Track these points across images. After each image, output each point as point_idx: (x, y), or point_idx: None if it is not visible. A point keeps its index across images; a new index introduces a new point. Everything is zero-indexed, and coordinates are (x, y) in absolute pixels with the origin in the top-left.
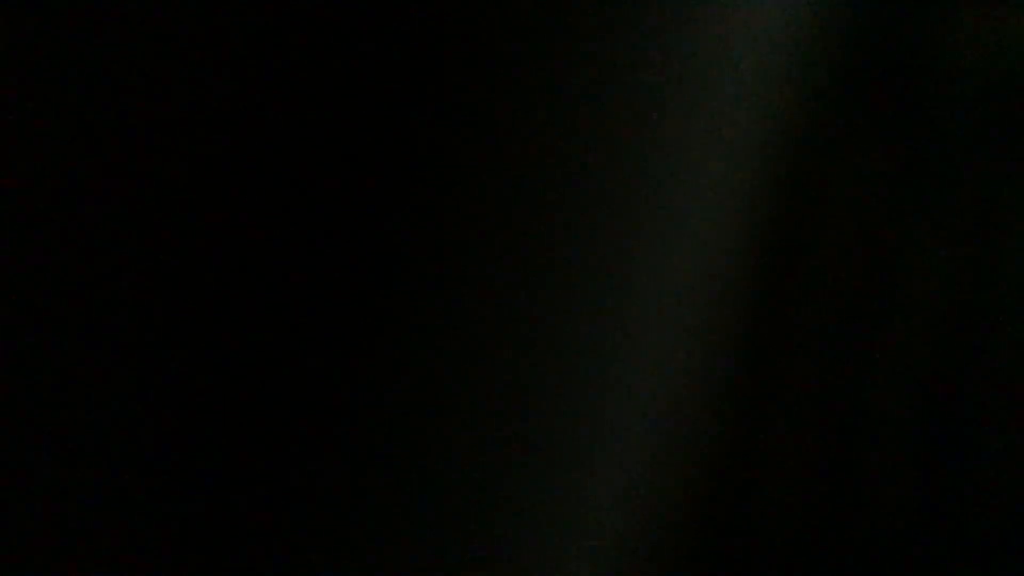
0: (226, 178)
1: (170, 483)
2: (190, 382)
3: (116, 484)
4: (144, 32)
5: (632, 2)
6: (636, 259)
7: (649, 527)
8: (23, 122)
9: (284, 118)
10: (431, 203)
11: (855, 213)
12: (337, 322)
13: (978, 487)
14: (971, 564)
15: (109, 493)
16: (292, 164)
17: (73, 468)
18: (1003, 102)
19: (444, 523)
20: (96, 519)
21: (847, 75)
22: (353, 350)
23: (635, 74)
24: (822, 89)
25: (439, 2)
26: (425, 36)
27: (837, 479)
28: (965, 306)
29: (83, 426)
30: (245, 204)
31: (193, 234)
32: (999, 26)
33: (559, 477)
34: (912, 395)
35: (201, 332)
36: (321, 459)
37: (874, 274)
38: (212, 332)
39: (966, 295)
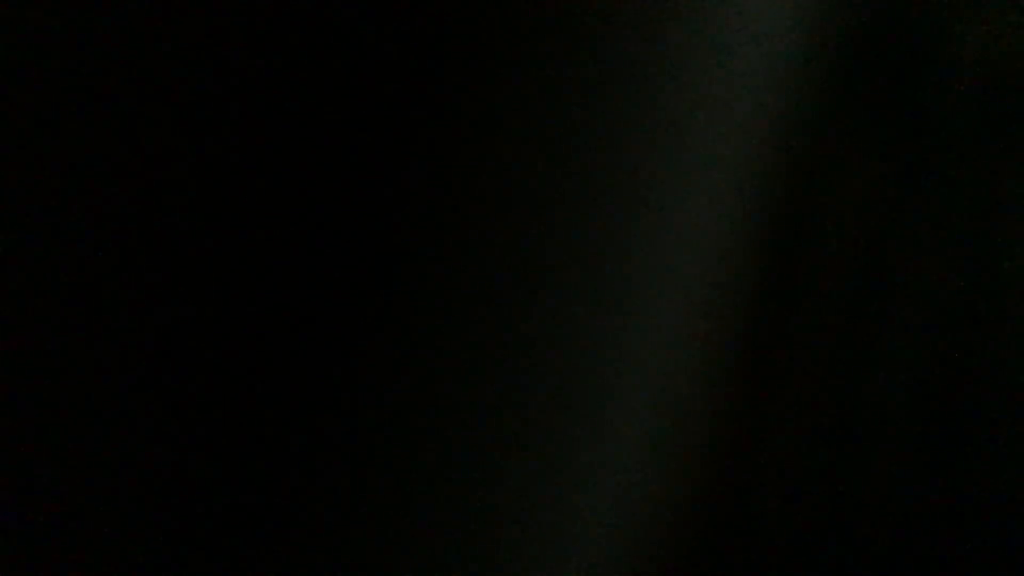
0: (226, 178)
1: (170, 483)
2: (189, 382)
3: (116, 484)
4: (144, 32)
5: (632, 2)
6: (636, 258)
7: (649, 527)
8: (23, 122)
9: (284, 118)
10: (431, 202)
11: (855, 213)
12: (337, 322)
13: (978, 487)
14: (971, 564)
15: (109, 493)
16: (292, 164)
17: (73, 468)
18: (1003, 102)
19: (444, 523)
20: (96, 519)
21: (847, 75)
22: (353, 350)
23: (635, 74)
24: (822, 89)
25: (438, 2)
26: (424, 36)
27: (837, 478)
28: (965, 306)
29: (83, 426)
30: (245, 204)
31: (193, 234)
32: (999, 26)
33: (559, 476)
34: (912, 394)
35: (201, 332)
36: (320, 459)
37: (874, 274)
38: (212, 332)
39: (966, 295)
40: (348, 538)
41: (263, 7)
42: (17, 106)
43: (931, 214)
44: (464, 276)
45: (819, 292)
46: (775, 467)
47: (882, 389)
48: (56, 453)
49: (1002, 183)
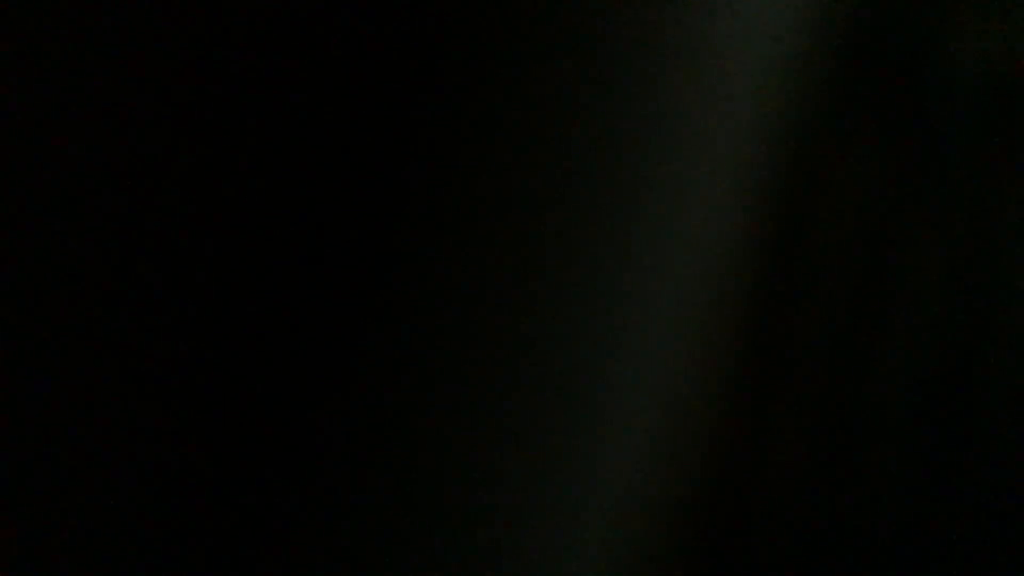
0: (226, 178)
1: (169, 483)
2: (189, 382)
3: (116, 484)
4: (144, 32)
5: (632, 2)
6: (636, 258)
7: (649, 526)
8: (23, 122)
9: (284, 118)
10: (430, 201)
11: (855, 212)
12: (337, 322)
13: (978, 487)
14: (971, 564)
15: (109, 493)
16: (291, 164)
17: (73, 468)
18: (1003, 102)
19: (444, 523)
20: (96, 519)
21: (847, 75)
22: (353, 350)
23: (635, 74)
24: (822, 88)
25: (438, 2)
26: (423, 36)
27: (837, 478)
28: (965, 306)
29: (83, 427)
30: (245, 204)
31: (192, 234)
32: (999, 26)
33: (559, 477)
34: (912, 394)
35: (200, 332)
36: (320, 459)
37: (874, 273)
38: (212, 332)
39: (966, 295)
40: (348, 538)
41: (263, 7)
42: (17, 106)
43: (931, 214)
44: (464, 276)
45: (819, 292)
46: (775, 467)
47: (882, 389)
48: (56, 453)
49: (1002, 183)
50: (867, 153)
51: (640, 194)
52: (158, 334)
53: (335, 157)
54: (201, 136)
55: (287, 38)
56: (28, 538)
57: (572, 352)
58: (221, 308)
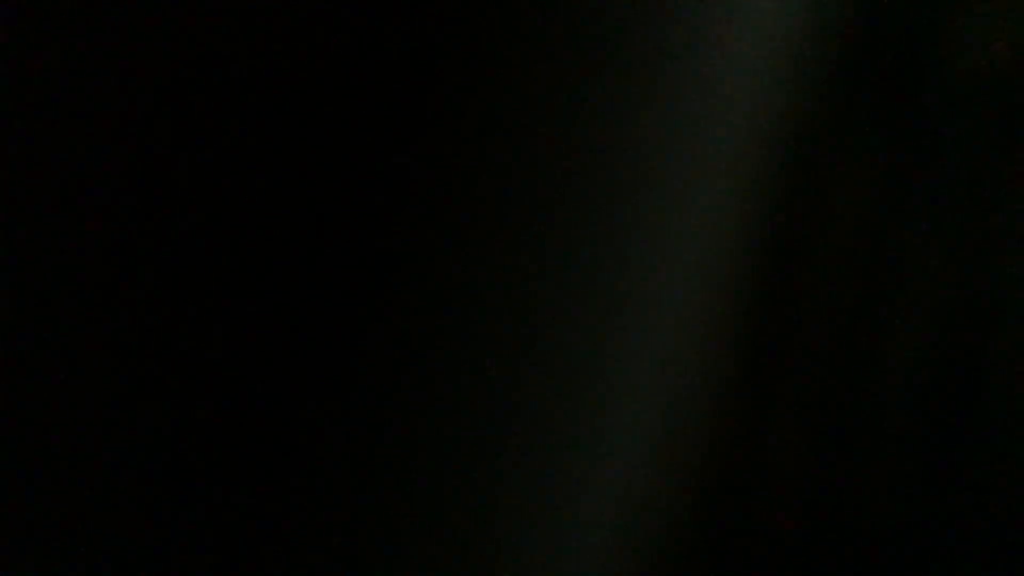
0: (225, 178)
1: (169, 483)
2: (189, 382)
3: (115, 484)
4: (144, 32)
5: (632, 2)
6: (637, 258)
7: (649, 526)
8: (23, 122)
9: (284, 118)
10: (430, 200)
11: (855, 212)
12: (337, 322)
13: (978, 487)
14: (971, 564)
15: (108, 493)
16: (291, 164)
17: (72, 469)
18: (1003, 102)
19: (444, 523)
20: (95, 519)
21: (847, 74)
22: (353, 350)
23: (635, 73)
24: (822, 88)
25: (438, 2)
26: (423, 36)
27: (838, 478)
28: (965, 306)
29: (83, 427)
30: (245, 204)
31: (192, 234)
32: (999, 26)
33: (559, 476)
34: (912, 394)
35: (200, 332)
36: (321, 459)
37: (874, 273)
38: (211, 332)
39: (966, 295)
40: (348, 538)
41: (263, 7)
42: (17, 106)
43: (931, 214)
44: (463, 275)
45: (819, 292)
46: (775, 467)
47: (882, 389)
48: (56, 453)
49: (1002, 183)
50: (867, 153)
51: (639, 194)
52: (158, 334)
53: (336, 156)
54: (201, 136)
55: (287, 38)
56: (28, 538)
57: (572, 352)
58: (221, 308)
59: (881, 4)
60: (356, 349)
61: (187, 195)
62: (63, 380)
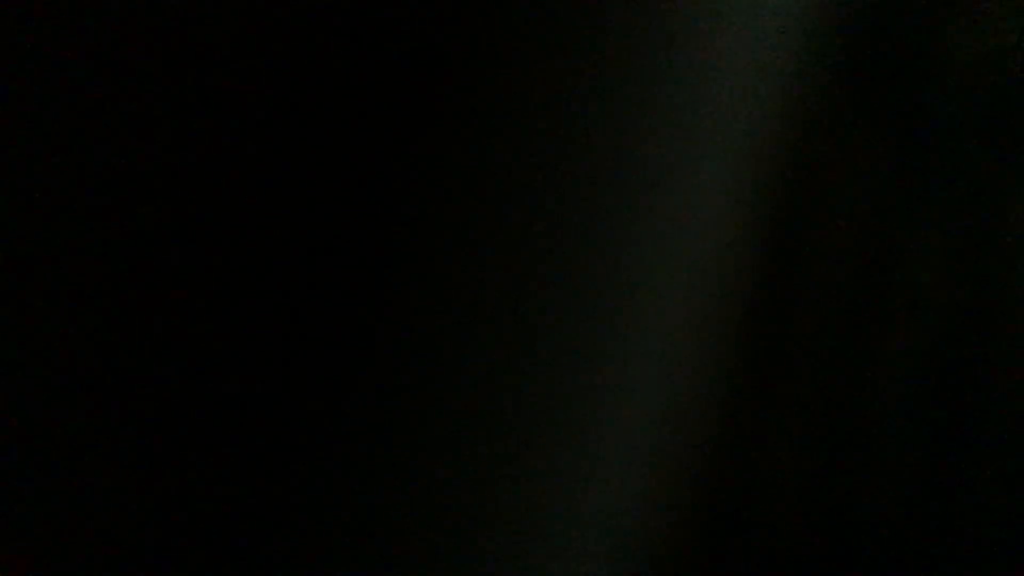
0: (226, 178)
1: (169, 484)
2: (189, 383)
3: (116, 484)
4: (144, 32)
5: (632, 2)
6: (637, 258)
7: (650, 526)
8: (23, 122)
9: (284, 118)
10: (429, 200)
11: (855, 212)
12: (338, 321)
13: (978, 487)
14: (971, 564)
15: (108, 493)
16: (290, 164)
17: (72, 469)
18: (1002, 102)
19: (445, 523)
20: (95, 519)
21: (847, 74)
22: (354, 350)
23: (635, 73)
24: (822, 89)
25: (438, 2)
26: (423, 36)
27: (837, 478)
28: (965, 306)
29: (82, 427)
30: (245, 204)
31: (192, 233)
32: (998, 25)
33: (559, 476)
34: (912, 394)
35: (201, 332)
36: (321, 459)
37: (874, 273)
38: (211, 332)
39: (966, 295)
40: (348, 538)
41: (263, 7)
42: (17, 106)
43: (931, 214)
44: (463, 275)
45: (819, 291)
46: (775, 467)
47: (883, 389)
48: (56, 453)
49: (1002, 183)
50: (867, 153)
51: (640, 194)
52: (158, 333)
53: (342, 156)
54: (201, 136)
55: (287, 38)
56: (28, 538)
57: (572, 351)
58: (221, 307)
59: (881, 4)
60: (356, 348)
61: (187, 195)
62: (63, 380)
